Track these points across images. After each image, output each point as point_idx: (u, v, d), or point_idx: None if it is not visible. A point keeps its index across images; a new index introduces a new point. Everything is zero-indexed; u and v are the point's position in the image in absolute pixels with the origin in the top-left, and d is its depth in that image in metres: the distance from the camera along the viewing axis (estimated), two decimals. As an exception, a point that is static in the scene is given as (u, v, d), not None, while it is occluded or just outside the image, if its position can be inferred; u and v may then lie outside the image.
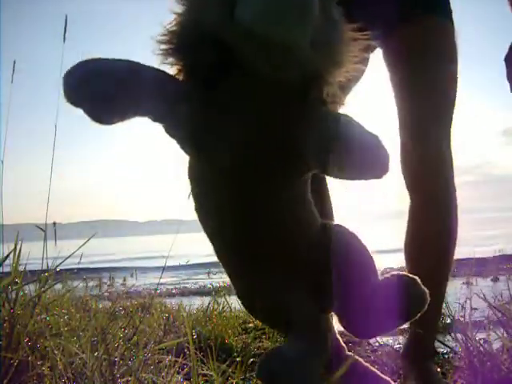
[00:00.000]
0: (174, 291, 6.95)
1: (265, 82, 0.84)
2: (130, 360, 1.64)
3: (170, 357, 1.88)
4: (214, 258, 1.17)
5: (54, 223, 2.00)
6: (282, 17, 0.76)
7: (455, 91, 1.51)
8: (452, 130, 1.49)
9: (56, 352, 1.59)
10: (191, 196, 1.04)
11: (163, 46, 0.90)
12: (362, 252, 1.00)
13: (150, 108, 0.90)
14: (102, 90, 0.81)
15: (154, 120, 0.95)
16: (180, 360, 1.86)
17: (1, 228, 2.00)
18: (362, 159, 0.89)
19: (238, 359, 2.28)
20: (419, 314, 0.99)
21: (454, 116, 1.50)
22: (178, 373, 1.72)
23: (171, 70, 0.95)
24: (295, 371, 0.86)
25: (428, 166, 1.47)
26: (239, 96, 0.88)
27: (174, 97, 0.88)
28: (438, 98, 1.48)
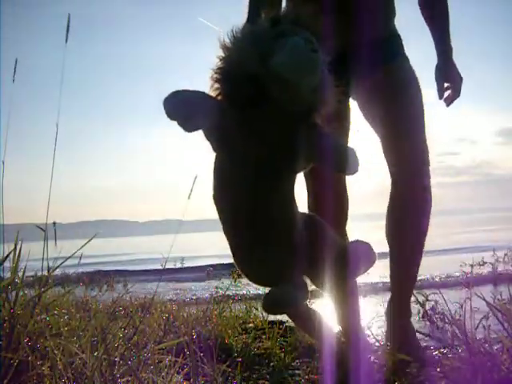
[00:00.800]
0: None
1: (281, 109, 1.26)
2: (129, 360, 1.64)
3: (169, 357, 1.88)
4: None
5: (54, 223, 2.00)
6: (299, 70, 1.20)
7: (423, 110, 1.89)
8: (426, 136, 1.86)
9: (56, 352, 1.59)
10: (212, 185, 1.38)
11: (214, 77, 1.31)
12: (329, 231, 1.44)
13: (208, 121, 1.31)
14: (186, 112, 1.27)
15: (205, 128, 1.34)
16: (180, 360, 1.86)
17: (1, 228, 2.00)
18: (336, 161, 1.33)
19: (238, 359, 2.28)
20: (366, 270, 1.42)
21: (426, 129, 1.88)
22: (178, 373, 1.72)
23: (212, 92, 1.33)
24: (289, 297, 1.32)
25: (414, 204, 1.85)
26: (262, 117, 1.28)
27: (217, 112, 1.29)
28: (412, 120, 1.85)
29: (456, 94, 1.97)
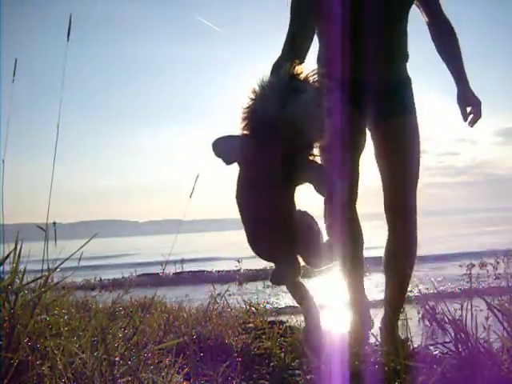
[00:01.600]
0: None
1: (290, 142, 1.71)
2: (129, 360, 1.64)
3: (169, 357, 1.88)
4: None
5: (54, 223, 2.00)
6: (304, 120, 1.67)
7: (419, 166, 2.31)
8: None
9: (56, 352, 1.59)
10: (236, 190, 1.84)
11: (243, 115, 1.73)
12: (317, 228, 1.87)
13: (239, 156, 1.78)
14: (226, 155, 1.75)
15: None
16: (180, 360, 1.86)
17: (1, 228, 2.00)
18: (321, 182, 1.77)
19: (238, 359, 2.28)
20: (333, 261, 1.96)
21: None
22: (178, 373, 1.73)
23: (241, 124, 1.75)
24: (287, 274, 1.90)
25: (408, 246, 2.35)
26: (275, 148, 1.72)
27: (244, 148, 1.75)
28: (412, 174, 2.28)
29: (478, 115, 2.24)
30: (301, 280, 1.95)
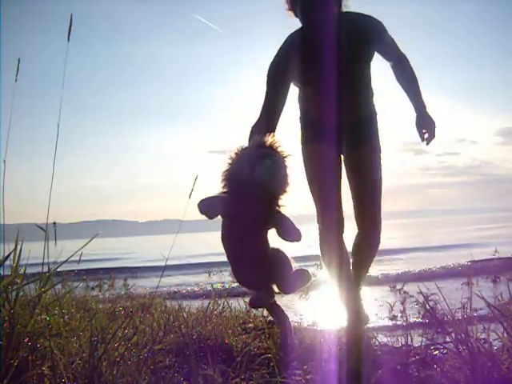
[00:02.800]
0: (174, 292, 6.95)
1: (259, 197, 2.23)
2: (129, 360, 1.64)
3: (169, 357, 1.88)
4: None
5: (54, 223, 1.99)
6: (270, 178, 2.19)
7: (382, 184, 2.74)
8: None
9: (56, 352, 1.59)
10: (221, 234, 2.36)
11: (223, 177, 2.27)
12: (287, 261, 2.39)
13: (220, 211, 2.27)
14: (208, 211, 2.22)
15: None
16: (180, 360, 1.87)
17: (1, 228, 2.00)
18: (288, 231, 2.28)
19: (238, 359, 2.28)
20: (306, 285, 2.44)
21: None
22: (178, 373, 1.73)
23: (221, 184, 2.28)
24: (264, 299, 2.36)
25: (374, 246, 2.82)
26: (248, 201, 2.23)
27: (224, 205, 2.25)
28: (377, 190, 2.73)
29: (431, 136, 2.63)
30: (276, 302, 2.44)
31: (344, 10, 2.55)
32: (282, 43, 2.59)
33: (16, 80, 2.01)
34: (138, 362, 1.62)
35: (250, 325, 3.02)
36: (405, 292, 5.30)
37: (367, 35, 2.55)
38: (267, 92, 2.57)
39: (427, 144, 2.66)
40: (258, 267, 2.29)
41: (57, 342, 1.66)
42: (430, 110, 2.62)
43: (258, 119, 2.53)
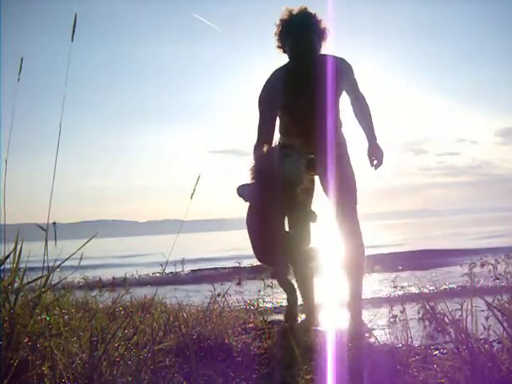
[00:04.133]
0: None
1: (285, 187, 2.58)
2: (129, 360, 1.64)
3: (169, 357, 1.88)
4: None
5: (54, 223, 2.00)
6: (293, 172, 2.58)
7: (356, 196, 3.16)
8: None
9: (56, 352, 1.59)
10: (246, 218, 2.74)
11: (251, 173, 2.60)
12: (298, 242, 2.81)
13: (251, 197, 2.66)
14: (246, 196, 2.64)
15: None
16: (180, 360, 1.87)
17: (1, 228, 2.00)
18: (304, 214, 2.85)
19: (238, 359, 2.28)
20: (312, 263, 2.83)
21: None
22: (178, 373, 1.73)
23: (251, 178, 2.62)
24: (279, 273, 2.91)
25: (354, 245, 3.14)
26: (272, 190, 2.57)
27: (254, 192, 2.63)
28: (352, 201, 3.13)
29: (380, 163, 3.11)
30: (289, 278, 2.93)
31: (321, 52, 3.03)
32: (269, 76, 3.07)
33: (18, 80, 2.00)
34: (137, 361, 1.62)
35: (250, 325, 3.02)
36: (403, 290, 5.30)
37: (340, 75, 3.05)
38: (261, 119, 3.02)
39: (375, 169, 3.13)
40: (276, 246, 2.66)
41: (57, 342, 1.66)
42: (379, 142, 3.14)
43: (257, 142, 2.95)
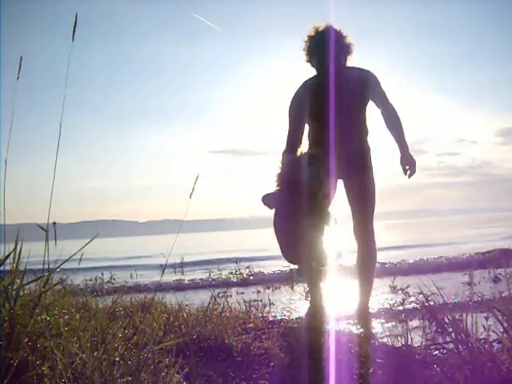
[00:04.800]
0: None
1: (306, 193, 2.76)
2: (129, 360, 1.64)
3: (169, 357, 1.88)
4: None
5: (54, 223, 1.99)
6: (316, 180, 2.76)
7: (375, 204, 3.42)
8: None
9: (56, 352, 1.59)
10: (273, 222, 2.92)
11: (278, 179, 2.81)
12: (320, 243, 2.92)
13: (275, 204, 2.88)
14: (270, 204, 2.85)
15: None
16: (180, 360, 1.86)
17: (1, 228, 1.99)
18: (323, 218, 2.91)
19: (238, 359, 2.28)
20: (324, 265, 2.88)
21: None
22: (178, 373, 1.72)
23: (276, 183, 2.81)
24: (304, 271, 3.04)
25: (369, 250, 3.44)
26: (297, 196, 2.78)
27: (278, 199, 2.85)
28: (370, 208, 3.40)
29: (413, 171, 3.28)
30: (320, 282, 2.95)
31: (348, 64, 3.25)
32: (298, 88, 3.31)
33: (18, 78, 1.99)
34: (137, 361, 1.62)
35: (250, 325, 3.02)
36: (404, 290, 5.30)
37: (365, 86, 3.26)
38: (290, 127, 3.27)
39: (409, 177, 3.29)
40: (301, 247, 2.85)
41: (57, 342, 1.66)
42: (411, 150, 3.34)
43: (286, 148, 3.24)
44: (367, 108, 3.36)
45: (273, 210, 2.90)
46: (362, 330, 3.08)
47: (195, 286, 8.13)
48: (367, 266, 3.39)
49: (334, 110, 3.18)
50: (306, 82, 3.33)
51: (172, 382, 1.64)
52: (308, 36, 3.24)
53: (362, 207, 3.35)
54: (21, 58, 1.99)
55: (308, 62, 3.30)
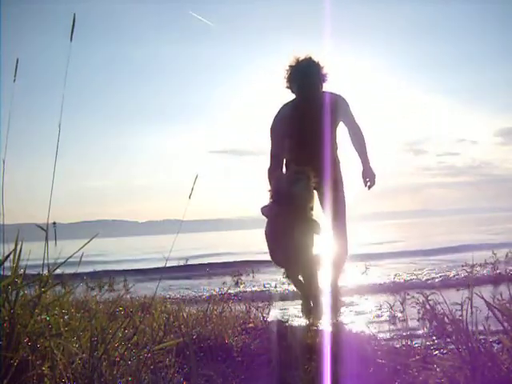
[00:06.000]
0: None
1: (298, 204, 3.18)
2: (129, 360, 1.64)
3: (169, 357, 1.88)
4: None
5: (54, 223, 1.99)
6: (304, 192, 3.16)
7: (346, 214, 3.89)
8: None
9: (56, 352, 1.59)
10: (265, 229, 3.34)
11: (270, 193, 3.19)
12: (309, 248, 3.38)
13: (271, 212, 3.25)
14: (266, 215, 3.28)
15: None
16: (180, 360, 1.86)
17: (1, 228, 1.99)
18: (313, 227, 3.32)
19: (238, 359, 2.28)
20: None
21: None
22: (178, 373, 1.73)
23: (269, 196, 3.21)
24: (289, 273, 3.60)
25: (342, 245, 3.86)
26: (286, 207, 3.15)
27: (272, 211, 3.21)
28: (342, 213, 3.84)
29: (372, 183, 3.74)
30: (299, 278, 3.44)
31: (322, 90, 3.64)
32: (279, 110, 3.72)
33: (14, 81, 2.00)
34: (137, 361, 1.62)
35: (250, 325, 3.02)
36: (404, 292, 5.30)
37: (336, 110, 3.68)
38: (273, 143, 3.66)
39: (368, 189, 3.74)
40: (291, 252, 3.18)
41: (57, 342, 1.66)
42: (372, 165, 3.80)
43: (271, 163, 3.65)
44: (338, 128, 3.81)
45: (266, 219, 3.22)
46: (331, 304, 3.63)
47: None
48: (340, 259, 3.83)
49: (309, 131, 3.66)
50: (285, 105, 3.73)
51: (172, 382, 1.64)
52: (289, 65, 3.57)
53: (336, 213, 3.76)
54: (17, 61, 1.99)
55: (288, 88, 3.66)
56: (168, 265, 10.84)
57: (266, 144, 3.77)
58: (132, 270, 12.53)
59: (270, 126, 3.71)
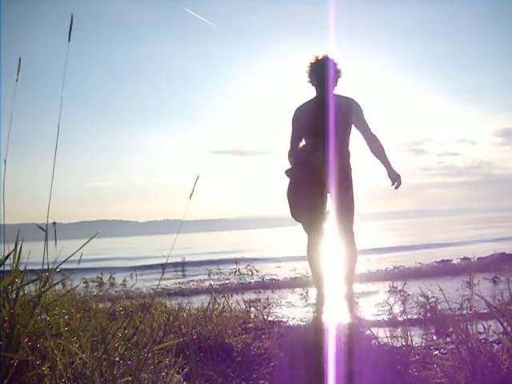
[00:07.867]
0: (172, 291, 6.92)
1: (314, 170, 3.97)
2: (129, 360, 1.64)
3: (169, 357, 1.88)
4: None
5: (54, 223, 2.00)
6: (319, 161, 3.93)
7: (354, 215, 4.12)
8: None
9: (56, 352, 1.59)
10: (287, 190, 4.08)
11: (291, 160, 4.08)
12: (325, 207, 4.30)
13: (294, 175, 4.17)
14: (289, 176, 4.13)
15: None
16: (180, 360, 1.86)
17: (1, 228, 1.99)
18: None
19: (238, 359, 2.28)
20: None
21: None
22: (178, 373, 1.72)
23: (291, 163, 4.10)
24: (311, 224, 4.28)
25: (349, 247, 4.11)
26: (306, 172, 4.03)
27: (294, 170, 4.10)
28: (351, 217, 4.10)
29: (399, 184, 3.99)
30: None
31: (338, 83, 4.09)
32: (300, 104, 4.14)
33: (17, 80, 2.00)
34: (137, 361, 1.62)
35: (250, 325, 3.02)
36: (405, 292, 5.30)
37: (350, 114, 4.00)
38: (292, 134, 4.13)
39: (396, 188, 3.99)
40: (312, 208, 3.90)
41: (57, 342, 1.66)
42: (395, 167, 4.02)
43: (290, 149, 4.11)
44: (350, 129, 4.07)
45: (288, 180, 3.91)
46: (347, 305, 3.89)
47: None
48: (350, 262, 4.07)
49: (328, 129, 3.97)
50: (306, 102, 4.15)
51: (172, 382, 1.64)
52: (310, 62, 4.12)
53: (344, 216, 4.03)
54: (19, 60, 1.99)
55: (309, 82, 4.14)
56: (169, 262, 10.83)
57: (287, 132, 4.21)
58: (132, 267, 12.53)
59: (291, 118, 4.16)
